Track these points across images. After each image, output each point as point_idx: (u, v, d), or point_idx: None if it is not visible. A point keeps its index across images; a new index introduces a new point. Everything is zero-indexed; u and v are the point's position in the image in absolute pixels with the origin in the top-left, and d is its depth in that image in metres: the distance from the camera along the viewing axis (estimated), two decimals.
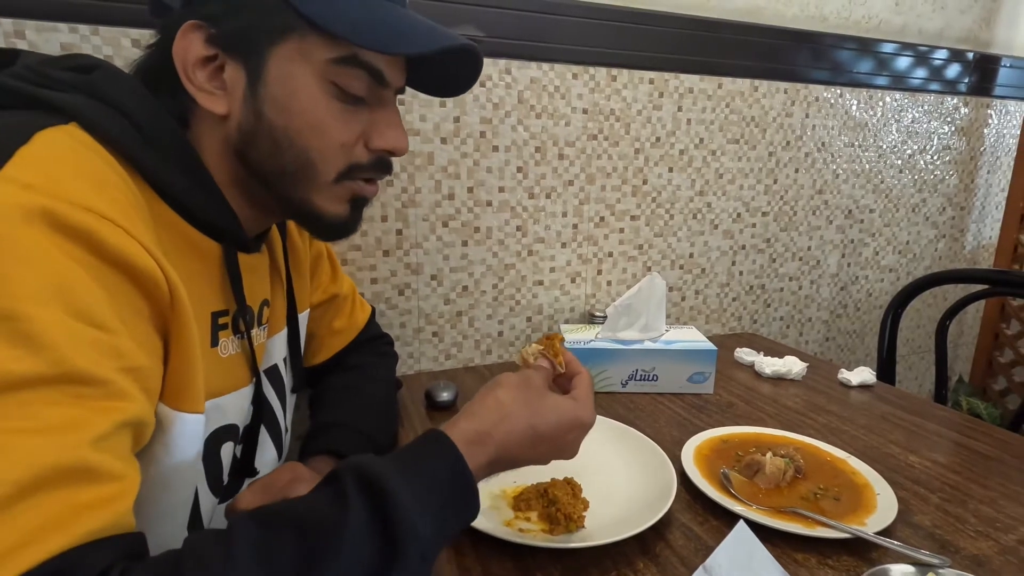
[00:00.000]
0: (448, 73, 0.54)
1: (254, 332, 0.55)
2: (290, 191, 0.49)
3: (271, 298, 0.59)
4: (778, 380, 1.01)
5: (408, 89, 0.56)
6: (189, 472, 0.45)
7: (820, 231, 1.35)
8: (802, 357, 1.05)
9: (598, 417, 0.79)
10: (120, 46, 0.75)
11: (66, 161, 0.36)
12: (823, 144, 1.28)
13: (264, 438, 0.57)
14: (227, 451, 0.51)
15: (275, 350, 0.60)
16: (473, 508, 0.43)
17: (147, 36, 0.75)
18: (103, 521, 0.31)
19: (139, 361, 0.36)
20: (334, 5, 0.45)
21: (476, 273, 1.04)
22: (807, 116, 1.25)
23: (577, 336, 0.97)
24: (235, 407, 0.52)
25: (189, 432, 0.42)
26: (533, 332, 1.11)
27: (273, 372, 0.59)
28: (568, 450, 0.51)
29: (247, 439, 0.55)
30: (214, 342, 0.49)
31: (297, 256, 0.65)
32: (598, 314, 1.11)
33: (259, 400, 0.55)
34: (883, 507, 0.61)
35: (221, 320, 0.49)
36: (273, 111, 0.46)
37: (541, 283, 1.09)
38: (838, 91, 1.26)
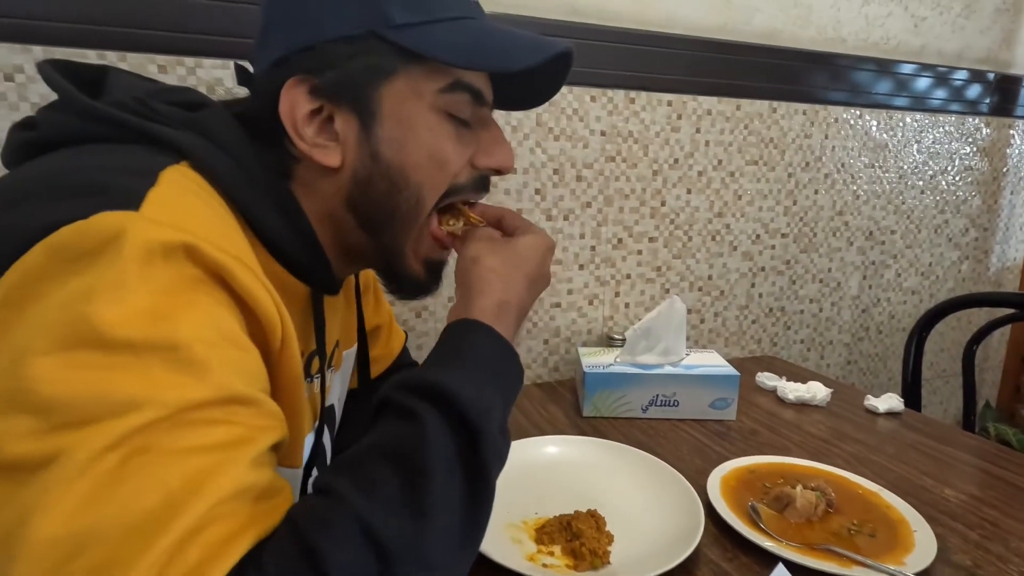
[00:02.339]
0: (535, 82, 0.53)
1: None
2: (392, 238, 0.49)
3: (340, 338, 0.59)
4: (802, 406, 0.98)
5: None
6: None
7: (840, 253, 1.33)
8: (826, 382, 1.03)
9: (619, 445, 0.79)
10: (146, 72, 0.76)
11: (192, 202, 0.36)
12: (843, 165, 1.27)
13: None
14: None
15: (334, 390, 0.59)
16: (520, 372, 0.46)
17: (172, 62, 0.77)
18: (263, 534, 0.31)
19: (268, 384, 0.37)
20: (433, 35, 0.44)
21: None
22: (826, 137, 1.24)
23: (596, 359, 0.95)
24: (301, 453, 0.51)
25: None
26: (550, 355, 1.10)
27: (329, 412, 0.58)
28: (548, 278, 0.53)
29: (302, 485, 0.54)
30: None
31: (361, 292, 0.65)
32: (616, 337, 1.09)
33: (318, 444, 0.54)
34: (922, 545, 0.58)
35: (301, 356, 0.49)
36: (391, 150, 0.46)
37: (558, 305, 1.08)
38: (857, 112, 1.25)
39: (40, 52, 0.71)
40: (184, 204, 0.35)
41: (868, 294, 1.39)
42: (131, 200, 0.33)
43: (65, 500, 0.27)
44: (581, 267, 1.08)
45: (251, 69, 0.49)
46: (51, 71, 0.42)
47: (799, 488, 0.64)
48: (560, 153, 1.02)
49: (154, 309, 0.31)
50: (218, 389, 0.31)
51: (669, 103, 1.08)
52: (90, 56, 0.73)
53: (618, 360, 0.95)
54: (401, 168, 0.46)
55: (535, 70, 0.46)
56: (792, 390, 0.99)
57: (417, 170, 0.46)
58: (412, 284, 0.52)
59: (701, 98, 1.10)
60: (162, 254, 0.31)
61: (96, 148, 0.39)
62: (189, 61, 0.78)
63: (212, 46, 0.78)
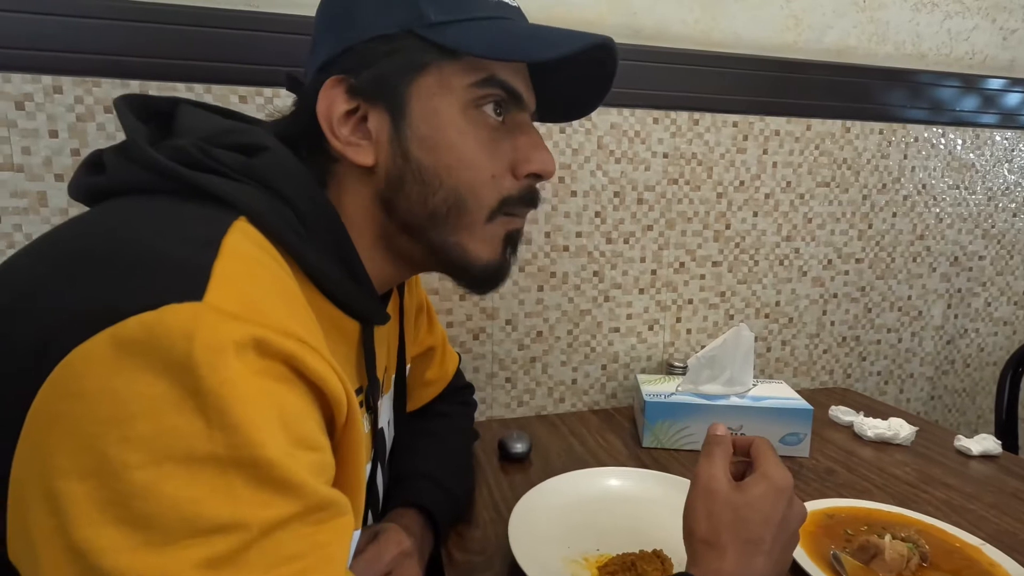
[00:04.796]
0: (578, 87, 0.52)
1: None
2: (441, 236, 0.47)
3: (388, 363, 0.58)
4: (882, 444, 0.91)
5: None
6: None
7: (922, 279, 1.24)
8: (908, 419, 0.95)
9: (684, 480, 0.75)
10: (228, 102, 0.80)
11: (258, 279, 0.34)
12: (924, 186, 1.19)
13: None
14: None
15: (383, 413, 0.59)
16: None
17: (252, 92, 0.81)
18: None
19: (334, 472, 0.36)
20: (467, 32, 0.44)
21: (551, 319, 1.02)
22: (905, 157, 1.17)
23: (656, 388, 0.92)
24: None
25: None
26: (608, 381, 1.07)
27: (379, 436, 0.58)
28: (794, 520, 0.46)
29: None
30: None
31: (407, 312, 0.64)
32: (677, 364, 1.05)
33: (373, 472, 0.54)
34: None
35: (357, 399, 0.48)
36: (421, 150, 0.45)
37: (617, 330, 1.06)
38: (940, 131, 1.18)
39: (137, 86, 0.76)
40: (248, 281, 0.33)
41: (953, 324, 1.29)
42: (196, 283, 0.31)
43: None
44: (641, 291, 1.06)
45: (302, 81, 0.50)
46: (123, 108, 0.42)
47: (888, 538, 0.59)
48: (621, 175, 1.01)
49: (230, 418, 0.29)
50: (299, 500, 0.31)
51: (735, 124, 1.05)
52: (179, 89, 0.78)
53: (680, 389, 0.92)
54: (433, 168, 0.45)
55: (574, 68, 0.45)
56: (871, 427, 0.93)
57: (449, 172, 0.45)
58: (486, 273, 0.49)
59: (768, 118, 1.07)
60: (233, 352, 0.30)
61: (157, 204, 0.37)
62: (267, 91, 0.82)
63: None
